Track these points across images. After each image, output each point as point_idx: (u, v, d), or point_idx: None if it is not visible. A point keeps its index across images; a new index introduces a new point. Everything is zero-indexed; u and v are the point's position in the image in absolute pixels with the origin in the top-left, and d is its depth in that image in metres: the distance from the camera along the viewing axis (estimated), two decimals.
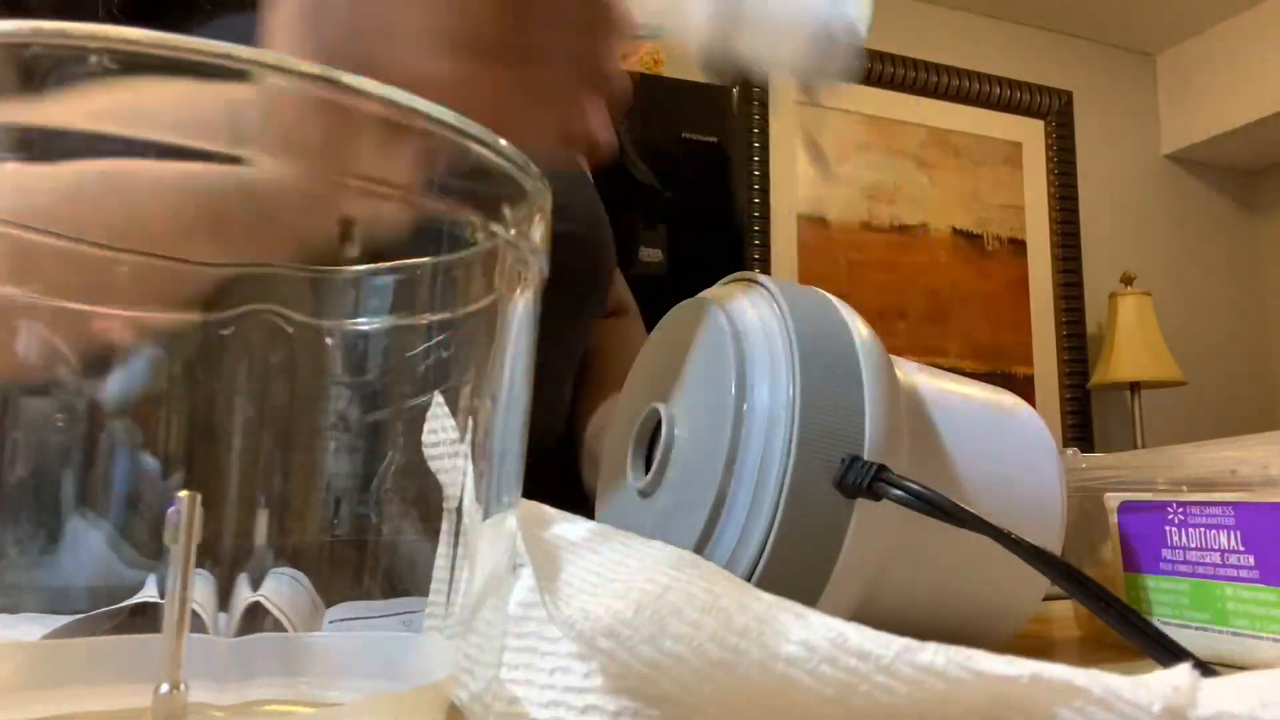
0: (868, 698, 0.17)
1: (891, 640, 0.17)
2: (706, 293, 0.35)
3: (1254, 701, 0.15)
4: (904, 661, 0.17)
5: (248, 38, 0.53)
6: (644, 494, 0.32)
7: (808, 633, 0.18)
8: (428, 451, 0.24)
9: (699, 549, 0.29)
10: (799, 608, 0.19)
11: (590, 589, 0.21)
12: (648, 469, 0.32)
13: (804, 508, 0.28)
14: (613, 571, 0.22)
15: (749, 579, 0.28)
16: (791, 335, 0.30)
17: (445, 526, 0.24)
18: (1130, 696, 0.16)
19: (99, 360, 0.21)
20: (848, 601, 0.29)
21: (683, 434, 0.31)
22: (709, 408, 0.30)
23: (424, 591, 0.24)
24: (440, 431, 0.24)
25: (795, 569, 0.28)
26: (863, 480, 0.28)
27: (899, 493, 0.28)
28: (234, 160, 0.18)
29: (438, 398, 0.24)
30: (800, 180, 2.41)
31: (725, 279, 0.36)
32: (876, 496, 0.28)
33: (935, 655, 0.17)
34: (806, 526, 0.28)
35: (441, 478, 0.24)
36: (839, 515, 0.28)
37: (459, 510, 0.23)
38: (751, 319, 0.32)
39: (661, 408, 0.32)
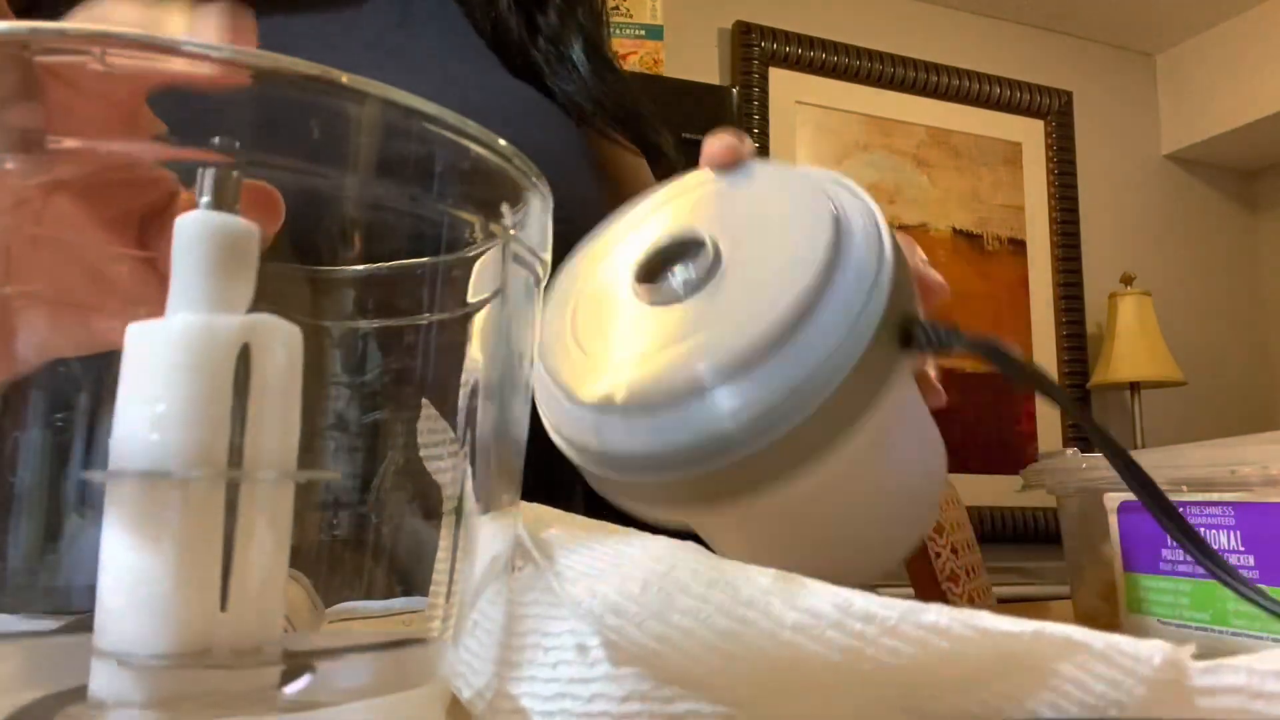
0: (875, 660, 0.17)
1: (895, 603, 0.17)
2: (776, 163, 0.36)
3: (1250, 657, 0.15)
4: (909, 623, 0.17)
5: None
6: (662, 300, 0.30)
7: (813, 600, 0.18)
8: (424, 453, 0.24)
9: (748, 360, 0.26)
10: (801, 579, 0.19)
11: (596, 574, 0.21)
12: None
13: (876, 354, 0.27)
14: (616, 558, 0.22)
15: (808, 402, 0.27)
16: (870, 204, 0.30)
17: (445, 526, 0.24)
18: (1130, 650, 0.16)
19: (99, 360, 0.21)
20: (853, 455, 0.28)
21: (736, 257, 0.30)
22: (782, 244, 0.29)
23: (424, 591, 0.24)
24: (436, 433, 0.24)
25: (850, 408, 0.27)
26: (935, 336, 0.28)
27: (971, 344, 0.29)
28: None
29: (426, 406, 0.24)
30: None
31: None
32: (946, 345, 0.28)
33: (939, 615, 0.17)
34: (870, 371, 0.27)
35: (440, 478, 0.24)
36: (890, 368, 0.28)
37: (458, 510, 0.23)
38: (839, 194, 0.31)
39: (704, 232, 0.30)
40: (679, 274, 0.30)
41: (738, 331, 0.27)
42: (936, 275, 0.37)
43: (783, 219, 0.30)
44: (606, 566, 0.21)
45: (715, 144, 0.35)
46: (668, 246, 0.31)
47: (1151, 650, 0.16)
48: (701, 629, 0.18)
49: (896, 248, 0.29)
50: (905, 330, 0.28)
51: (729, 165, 0.35)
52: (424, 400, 0.25)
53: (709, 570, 0.19)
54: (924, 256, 0.37)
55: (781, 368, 0.26)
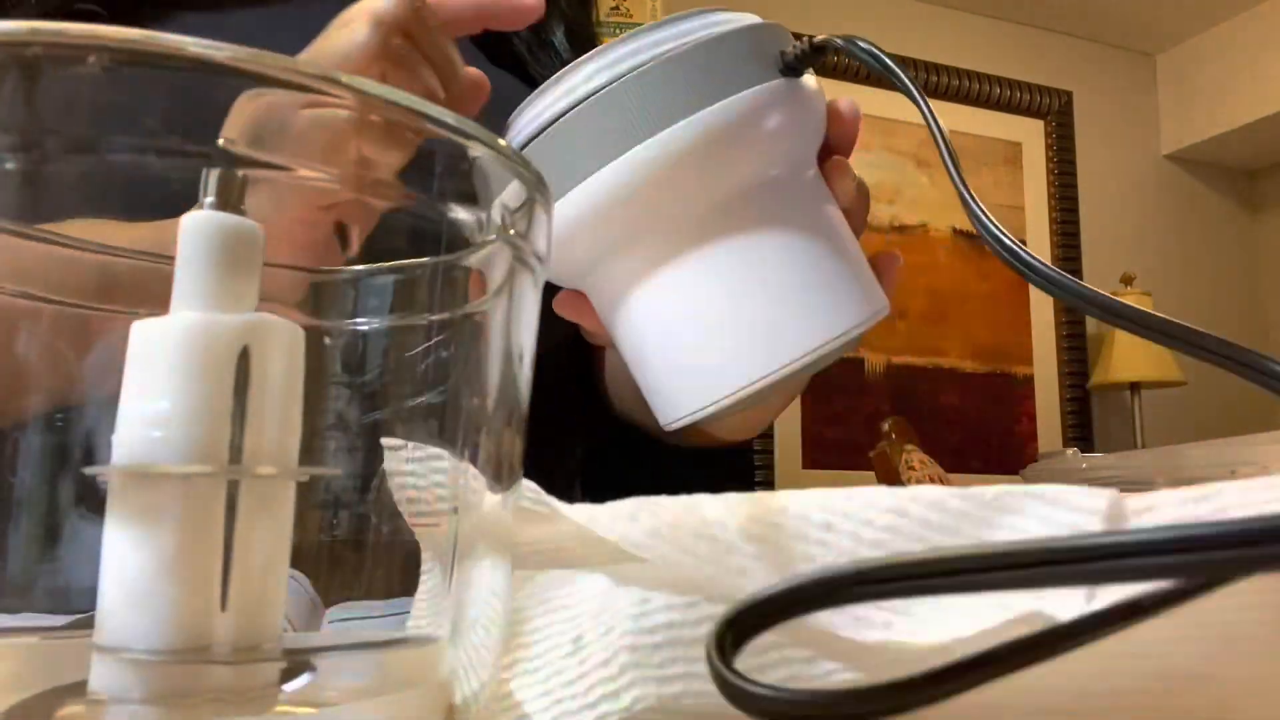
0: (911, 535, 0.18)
1: (903, 490, 0.19)
2: None
3: (1187, 494, 0.17)
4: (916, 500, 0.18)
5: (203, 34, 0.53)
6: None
7: (827, 499, 0.19)
8: (408, 493, 0.24)
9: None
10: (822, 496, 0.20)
11: (627, 515, 0.22)
12: None
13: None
14: (638, 504, 0.23)
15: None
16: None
17: (445, 525, 0.24)
18: (1079, 499, 0.17)
19: (99, 359, 0.21)
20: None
21: None
22: None
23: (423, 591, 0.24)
24: (424, 458, 0.24)
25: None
26: (805, 52, 0.34)
27: (843, 43, 0.35)
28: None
29: (388, 441, 0.24)
30: None
31: None
32: (817, 51, 0.34)
33: (943, 494, 0.18)
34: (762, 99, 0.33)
35: (438, 478, 0.24)
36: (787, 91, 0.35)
37: (457, 510, 0.23)
38: None
39: None
40: None
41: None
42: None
43: None
44: (636, 508, 0.22)
45: None
46: None
47: (1100, 499, 0.17)
48: (736, 537, 0.19)
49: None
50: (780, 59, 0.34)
51: None
52: (386, 465, 0.25)
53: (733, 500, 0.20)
54: None
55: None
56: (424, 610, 0.24)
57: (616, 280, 0.34)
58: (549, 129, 0.31)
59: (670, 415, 0.34)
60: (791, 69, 0.33)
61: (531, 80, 0.60)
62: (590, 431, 0.59)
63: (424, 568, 0.25)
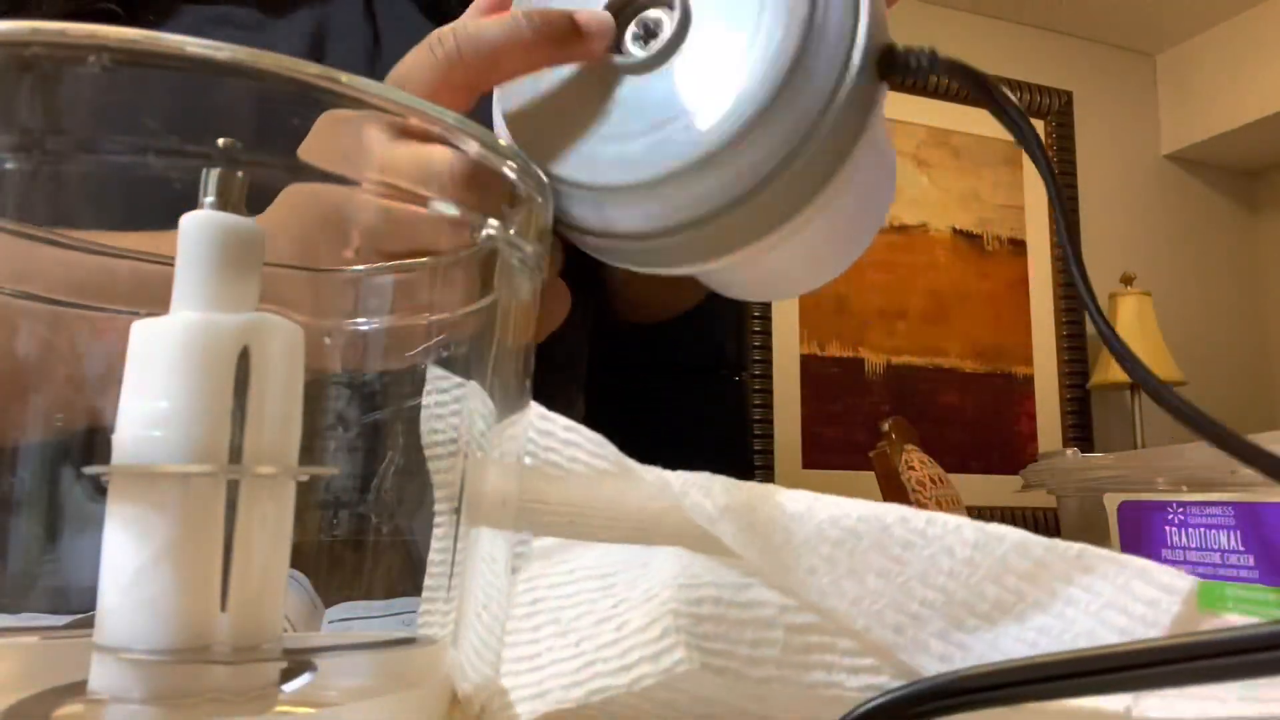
0: (928, 561, 0.18)
1: (948, 517, 0.19)
2: None
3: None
4: (966, 529, 0.18)
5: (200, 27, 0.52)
6: (643, 68, 0.29)
7: (907, 516, 0.19)
8: (429, 452, 0.24)
9: (749, 129, 0.27)
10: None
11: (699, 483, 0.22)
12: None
13: (860, 93, 0.27)
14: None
15: (811, 145, 0.27)
16: None
17: (444, 526, 0.24)
18: (1167, 578, 0.17)
19: (99, 359, 0.21)
20: (849, 186, 0.29)
21: (704, 13, 0.29)
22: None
23: (423, 591, 0.24)
24: (439, 432, 0.24)
25: (839, 147, 0.28)
26: (917, 60, 0.28)
27: (948, 63, 0.29)
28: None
29: (432, 369, 0.24)
30: None
31: None
32: (931, 71, 0.28)
33: (991, 527, 0.18)
34: (854, 111, 0.28)
35: (439, 478, 0.24)
36: (874, 98, 0.29)
37: (458, 510, 0.23)
38: None
39: None
40: (650, 35, 0.30)
41: (730, 98, 0.27)
42: None
43: None
44: (709, 481, 0.22)
45: None
46: (638, 10, 0.30)
47: (1185, 577, 0.17)
48: (809, 531, 0.19)
49: None
50: (884, 59, 0.28)
51: None
52: (424, 400, 0.25)
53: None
54: None
55: (772, 130, 0.27)
56: (424, 610, 0.24)
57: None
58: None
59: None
60: (888, 70, 0.29)
61: None
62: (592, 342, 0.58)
63: (431, 558, 0.25)
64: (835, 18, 0.28)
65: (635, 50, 0.29)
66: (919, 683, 0.15)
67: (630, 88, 0.29)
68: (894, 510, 0.19)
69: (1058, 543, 0.18)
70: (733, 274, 0.35)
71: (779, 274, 0.36)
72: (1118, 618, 0.17)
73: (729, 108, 0.27)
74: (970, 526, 0.18)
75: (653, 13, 0.30)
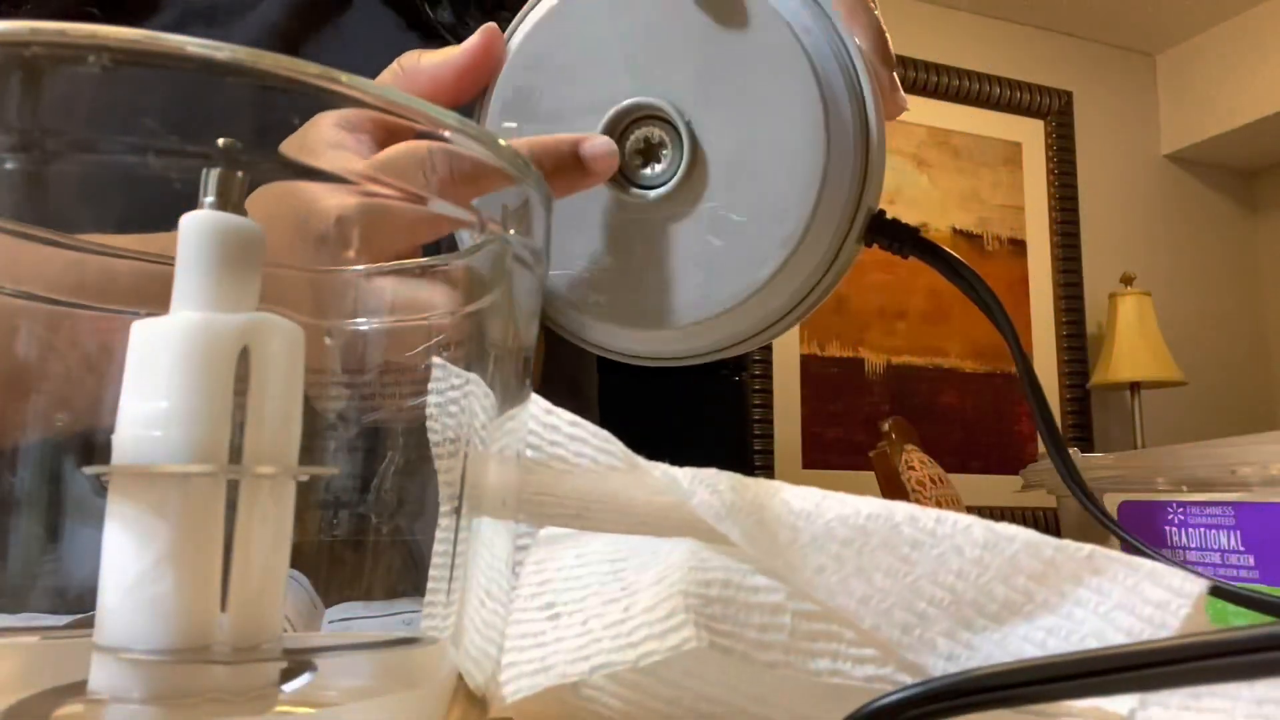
0: (938, 562, 0.18)
1: (959, 516, 0.19)
2: None
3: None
4: (977, 528, 0.18)
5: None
6: (636, 209, 0.29)
7: (914, 515, 0.19)
8: (436, 450, 0.24)
9: (776, 267, 0.28)
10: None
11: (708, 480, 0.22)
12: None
13: (848, 251, 0.30)
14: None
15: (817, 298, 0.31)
16: (849, 47, 0.29)
17: (444, 526, 0.24)
18: (1177, 581, 0.17)
19: (99, 359, 0.21)
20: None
21: (713, 137, 0.28)
22: (761, 113, 0.28)
23: (424, 591, 0.24)
24: (441, 430, 0.24)
25: (819, 291, 0.31)
26: (898, 235, 0.31)
27: (923, 244, 0.32)
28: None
29: (438, 360, 0.24)
30: None
31: None
32: (902, 248, 0.31)
33: (1001, 526, 0.18)
34: (847, 262, 0.31)
35: (440, 477, 0.24)
36: (845, 258, 0.31)
37: (458, 510, 0.23)
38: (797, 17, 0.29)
39: (666, 104, 0.28)
40: (651, 156, 0.29)
41: (748, 261, 0.29)
42: (901, 98, 0.33)
43: (757, 91, 0.28)
44: (716, 478, 0.22)
45: None
46: (623, 116, 0.29)
47: (1196, 581, 0.17)
48: (817, 529, 0.19)
49: (878, 112, 0.30)
50: (874, 224, 0.31)
51: None
52: (428, 395, 0.25)
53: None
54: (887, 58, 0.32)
55: (781, 290, 0.30)
56: (424, 609, 0.24)
57: None
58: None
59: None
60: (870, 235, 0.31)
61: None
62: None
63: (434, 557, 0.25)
64: (844, 181, 0.29)
65: (641, 172, 0.29)
66: (928, 682, 0.15)
67: (645, 223, 0.29)
68: (903, 509, 0.19)
69: (1068, 543, 0.18)
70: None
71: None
72: (1126, 619, 0.17)
73: (747, 270, 0.29)
74: (980, 526, 0.18)
75: (654, 132, 0.29)
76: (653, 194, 0.29)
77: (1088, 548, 0.18)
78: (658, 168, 0.29)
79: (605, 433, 0.24)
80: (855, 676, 0.19)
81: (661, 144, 0.29)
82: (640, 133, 0.29)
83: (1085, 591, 0.17)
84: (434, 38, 0.56)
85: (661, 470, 0.22)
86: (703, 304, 0.29)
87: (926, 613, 0.18)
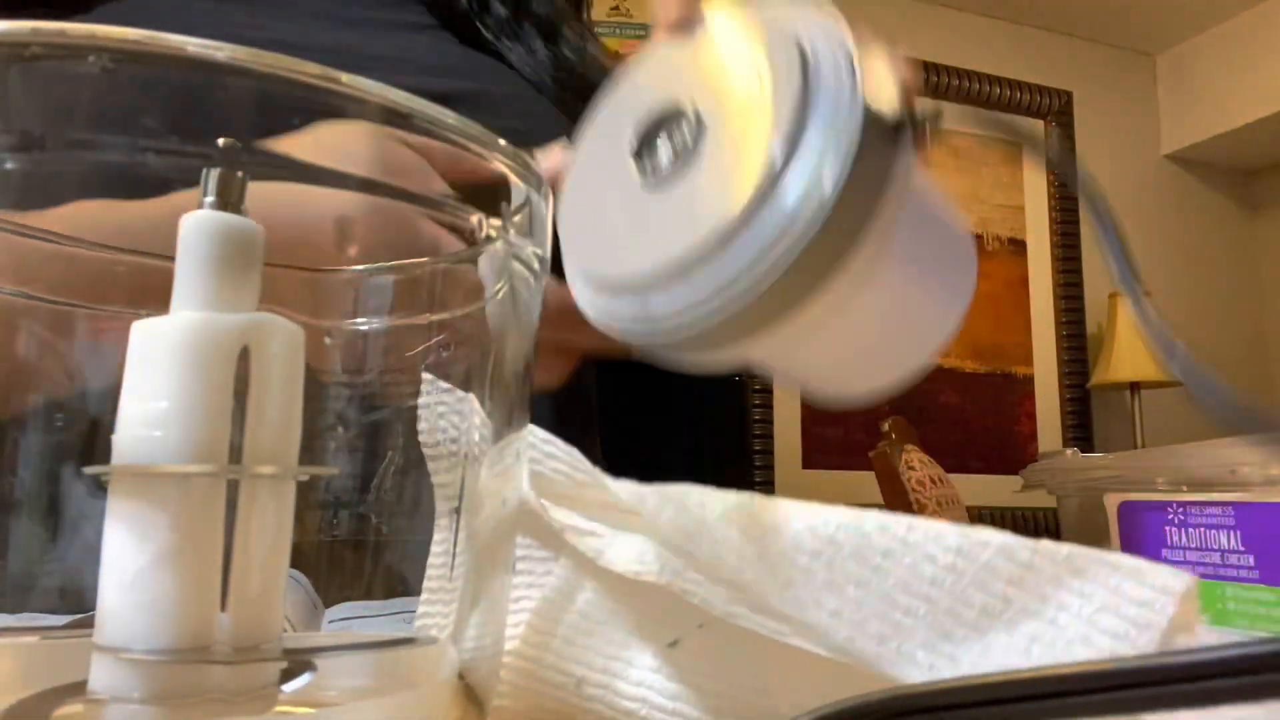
0: (910, 569, 0.18)
1: (930, 522, 0.19)
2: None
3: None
4: (950, 535, 0.18)
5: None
6: (658, 186, 0.31)
7: (885, 522, 0.19)
8: (428, 452, 0.24)
9: (756, 205, 0.29)
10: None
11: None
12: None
13: (871, 147, 0.29)
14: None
15: (818, 216, 0.29)
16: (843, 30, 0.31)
17: (443, 526, 0.24)
18: (1162, 578, 0.17)
19: (99, 359, 0.21)
20: (886, 246, 0.30)
21: (713, 118, 0.31)
22: (757, 98, 0.31)
23: (423, 591, 0.24)
24: (437, 431, 0.24)
25: (857, 209, 0.29)
26: (922, 116, 0.29)
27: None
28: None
29: (426, 375, 0.24)
30: None
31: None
32: (935, 124, 0.30)
33: (977, 531, 0.18)
34: (870, 163, 0.29)
35: (439, 478, 0.24)
36: (890, 156, 0.30)
37: (458, 510, 0.23)
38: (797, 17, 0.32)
39: (683, 99, 0.32)
40: (668, 150, 0.32)
41: (742, 176, 0.29)
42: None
43: (752, 71, 0.31)
44: (684, 494, 0.22)
45: (667, 10, 0.35)
46: (655, 120, 0.32)
47: (1181, 576, 0.17)
48: (784, 543, 0.19)
49: (866, 68, 0.31)
50: (894, 126, 0.30)
51: (686, 27, 0.35)
52: (420, 400, 0.25)
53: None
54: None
55: (773, 213, 0.29)
56: (424, 609, 0.24)
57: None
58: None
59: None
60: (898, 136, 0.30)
61: (502, 58, 0.60)
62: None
63: (432, 556, 0.25)
64: (829, 82, 0.29)
65: (669, 164, 0.31)
66: (858, 699, 0.14)
67: (664, 194, 0.31)
68: (874, 517, 0.19)
69: (1045, 544, 0.17)
70: (787, 360, 0.36)
71: (839, 362, 0.36)
72: (1111, 620, 0.16)
73: (741, 184, 0.28)
74: (953, 532, 0.18)
75: (681, 126, 0.32)
76: (667, 168, 0.31)
77: (1065, 548, 0.17)
78: (680, 154, 0.31)
79: (574, 449, 0.24)
80: (816, 647, 0.18)
81: (685, 134, 0.31)
82: (672, 129, 0.32)
83: (1067, 595, 0.17)
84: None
85: (629, 491, 0.22)
86: (707, 231, 0.29)
87: (902, 624, 0.18)
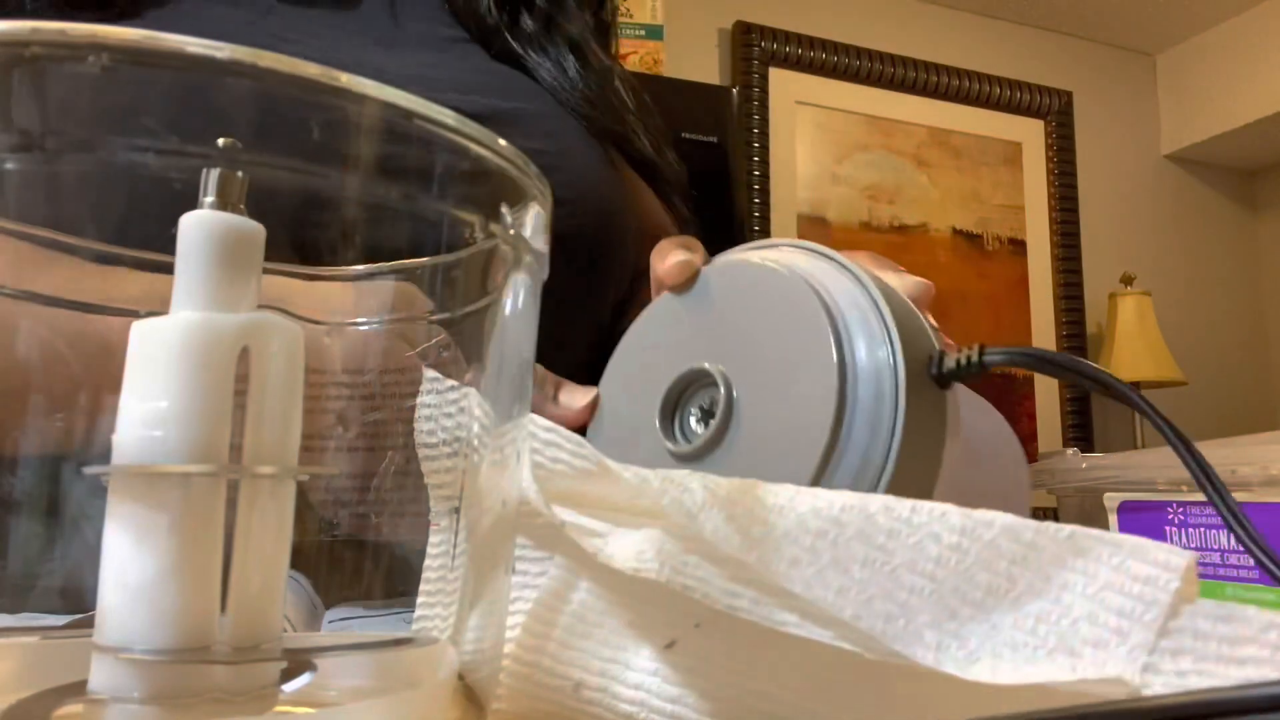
0: (914, 550, 0.18)
1: (932, 504, 0.19)
2: (735, 256, 0.34)
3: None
4: (952, 516, 0.18)
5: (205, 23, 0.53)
6: (689, 458, 0.31)
7: (890, 504, 0.19)
8: (423, 454, 0.24)
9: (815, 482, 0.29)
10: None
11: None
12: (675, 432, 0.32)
13: (917, 412, 0.29)
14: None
15: (876, 488, 0.29)
16: (868, 285, 0.30)
17: (442, 526, 0.24)
18: (1163, 555, 0.16)
19: (99, 359, 0.21)
20: (953, 484, 0.30)
21: (747, 393, 0.31)
22: (786, 360, 0.30)
23: (419, 593, 0.24)
24: (435, 433, 0.24)
25: (918, 469, 0.29)
26: (966, 360, 0.29)
27: (1006, 356, 0.29)
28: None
29: (428, 372, 0.24)
30: (800, 180, 2.41)
31: (727, 252, 0.35)
32: (983, 368, 0.29)
33: (975, 512, 0.18)
34: (920, 427, 0.29)
35: (433, 479, 0.24)
36: (939, 408, 0.30)
37: (458, 510, 0.23)
38: (815, 272, 0.31)
39: (710, 366, 0.31)
40: (702, 424, 0.32)
41: (791, 454, 0.29)
42: (928, 287, 0.37)
43: (779, 335, 0.31)
44: (686, 476, 0.22)
45: (666, 265, 0.34)
46: (680, 386, 0.32)
47: (1181, 553, 0.17)
48: (789, 522, 0.19)
49: (894, 309, 0.30)
50: (937, 374, 0.30)
51: (686, 283, 0.34)
52: (420, 399, 0.25)
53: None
54: (910, 280, 0.37)
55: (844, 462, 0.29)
56: (423, 610, 0.24)
57: None
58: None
59: None
60: (944, 380, 0.31)
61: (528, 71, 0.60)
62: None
63: (429, 551, 0.25)
64: (869, 376, 0.29)
65: (699, 430, 0.31)
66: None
67: (697, 465, 0.31)
68: (878, 499, 0.19)
69: (1048, 525, 0.18)
70: None
71: None
72: (1116, 599, 0.17)
73: (797, 470, 0.29)
74: (957, 513, 0.18)
75: (706, 394, 0.32)
76: (698, 442, 0.31)
77: (1068, 528, 0.17)
78: (712, 423, 0.31)
79: (577, 437, 0.24)
80: (823, 634, 0.19)
81: (714, 403, 0.31)
82: (698, 400, 0.32)
83: (1071, 574, 0.17)
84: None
85: (633, 473, 0.22)
86: None
87: (909, 603, 0.18)
